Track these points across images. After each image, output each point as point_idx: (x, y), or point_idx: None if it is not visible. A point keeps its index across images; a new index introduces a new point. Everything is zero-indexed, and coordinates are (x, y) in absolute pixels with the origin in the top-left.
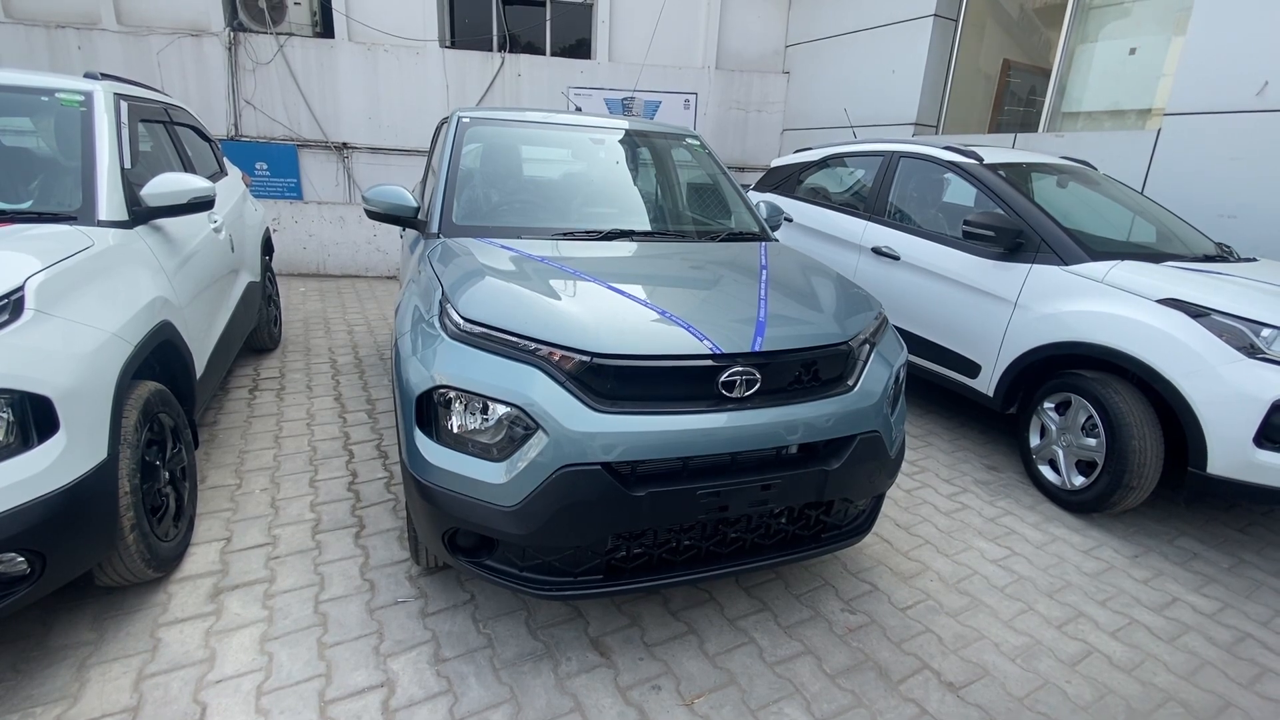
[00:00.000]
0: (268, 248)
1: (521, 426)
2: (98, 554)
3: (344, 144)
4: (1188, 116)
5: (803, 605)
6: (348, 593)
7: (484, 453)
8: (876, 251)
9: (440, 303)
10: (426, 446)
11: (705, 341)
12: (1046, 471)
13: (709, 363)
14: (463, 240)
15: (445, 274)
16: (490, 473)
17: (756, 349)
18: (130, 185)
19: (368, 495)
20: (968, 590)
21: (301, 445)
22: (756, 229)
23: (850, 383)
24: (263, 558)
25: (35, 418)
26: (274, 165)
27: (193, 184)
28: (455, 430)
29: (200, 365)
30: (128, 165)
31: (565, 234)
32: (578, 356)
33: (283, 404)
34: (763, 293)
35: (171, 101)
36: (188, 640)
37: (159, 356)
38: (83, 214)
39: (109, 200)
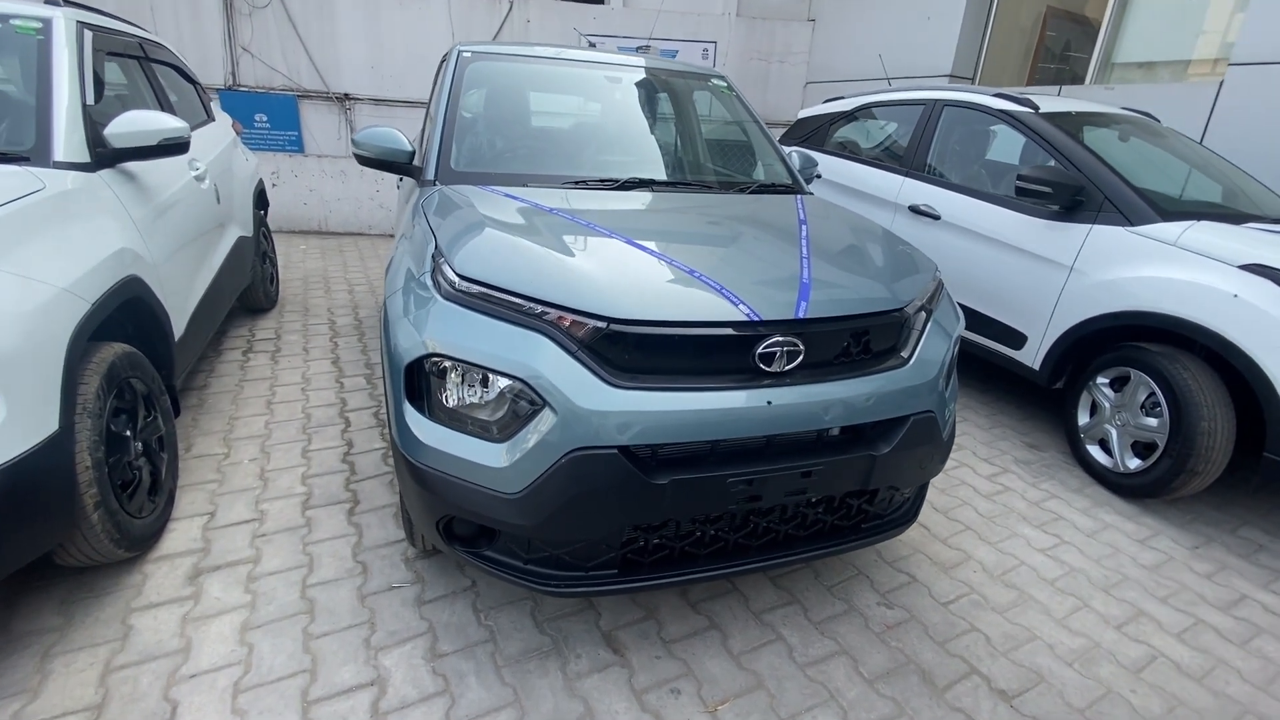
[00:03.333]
0: (261, 201)
1: (526, 402)
2: (53, 537)
3: (346, 95)
4: (1255, 66)
5: (835, 598)
6: (338, 576)
7: (483, 432)
8: (914, 210)
9: (433, 258)
10: (418, 423)
11: (741, 306)
12: (1096, 452)
13: (746, 331)
14: (461, 188)
15: (440, 226)
16: (490, 455)
17: (800, 315)
18: (93, 124)
19: (363, 468)
20: (1015, 583)
21: (295, 412)
22: (789, 181)
23: (905, 355)
24: (248, 535)
25: None
26: (274, 117)
27: (164, 123)
28: (450, 405)
29: (179, 326)
30: (90, 102)
31: (578, 183)
32: (591, 322)
33: (277, 367)
34: (804, 251)
35: (148, 36)
36: (162, 628)
37: (129, 316)
38: (36, 154)
39: (67, 139)
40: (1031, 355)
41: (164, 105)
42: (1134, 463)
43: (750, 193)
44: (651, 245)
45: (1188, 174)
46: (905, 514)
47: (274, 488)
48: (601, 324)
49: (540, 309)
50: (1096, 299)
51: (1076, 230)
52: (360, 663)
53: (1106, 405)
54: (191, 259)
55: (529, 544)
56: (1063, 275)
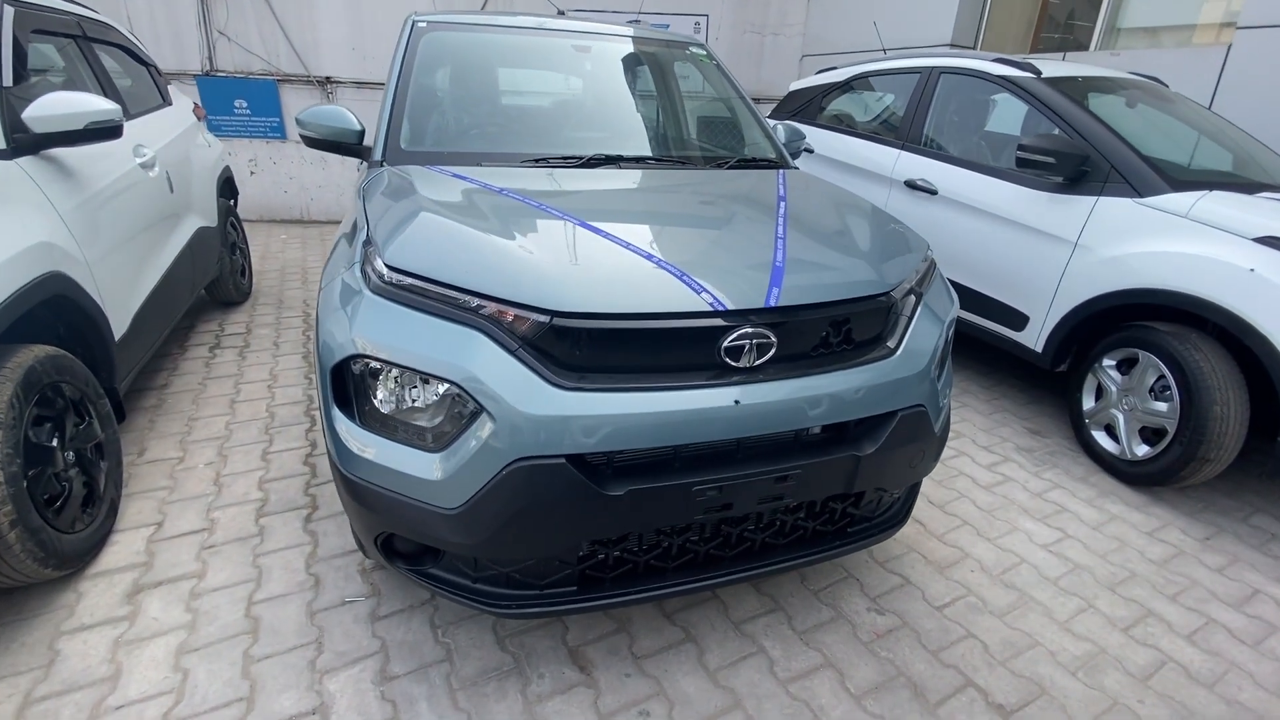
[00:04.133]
0: (228, 189)
1: (462, 408)
2: None
3: (327, 78)
4: (1264, 30)
5: (822, 603)
6: (287, 590)
7: (418, 440)
8: (910, 185)
9: (364, 247)
10: (348, 430)
11: (704, 295)
12: (1101, 438)
13: (708, 322)
14: (406, 169)
15: (374, 210)
16: (425, 466)
17: (771, 303)
18: (11, 108)
19: (325, 470)
20: (1015, 583)
21: (259, 411)
22: (773, 155)
23: (891, 344)
24: (195, 547)
25: None
26: (254, 102)
27: (91, 105)
28: (383, 411)
29: (120, 325)
30: (8, 83)
31: (537, 161)
32: (533, 316)
33: (244, 363)
34: (780, 231)
35: (92, 15)
36: (91, 653)
37: (55, 316)
38: None
39: None
40: (1033, 337)
41: (106, 89)
42: (1142, 449)
43: (729, 168)
44: (607, 228)
45: (1197, 141)
46: (895, 515)
47: (228, 494)
48: (544, 318)
49: (476, 302)
50: (1103, 276)
51: (1081, 203)
52: (302, 688)
53: (1113, 389)
54: (136, 253)
55: (477, 561)
56: (1067, 251)
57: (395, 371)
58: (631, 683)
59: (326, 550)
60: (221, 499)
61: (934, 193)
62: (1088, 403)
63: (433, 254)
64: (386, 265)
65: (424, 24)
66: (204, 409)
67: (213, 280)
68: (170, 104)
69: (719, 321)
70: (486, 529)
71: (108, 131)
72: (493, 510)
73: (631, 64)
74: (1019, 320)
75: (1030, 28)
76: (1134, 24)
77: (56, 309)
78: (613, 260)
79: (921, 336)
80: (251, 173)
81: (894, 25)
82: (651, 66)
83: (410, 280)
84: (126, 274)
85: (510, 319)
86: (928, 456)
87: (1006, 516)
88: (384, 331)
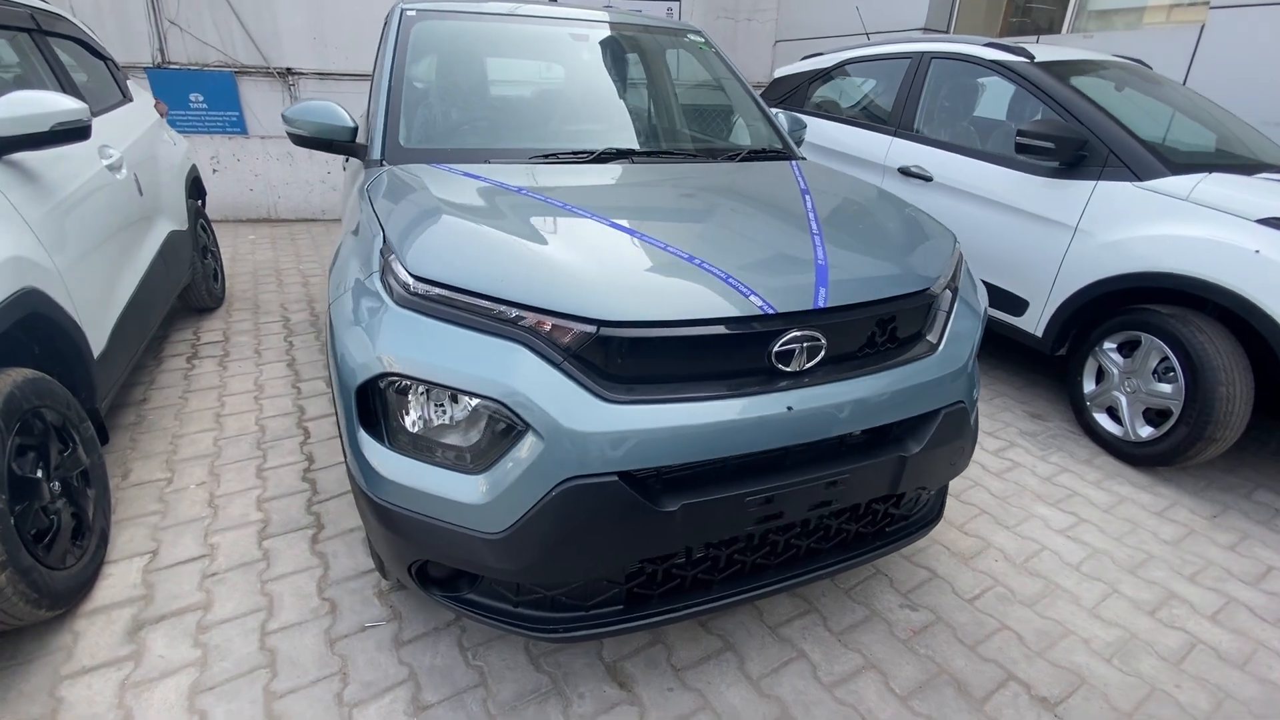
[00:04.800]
0: (196, 189)
1: (505, 426)
2: None
3: (288, 69)
4: (1237, 9)
5: (855, 602)
6: (302, 619)
7: (455, 462)
8: (904, 172)
9: (381, 254)
10: (376, 453)
11: (753, 298)
12: (1104, 420)
13: (759, 327)
14: (412, 168)
15: (389, 215)
16: (465, 489)
17: (820, 304)
18: None
19: (326, 485)
20: (1039, 571)
21: (247, 424)
22: (780, 145)
23: (933, 340)
24: (196, 576)
25: None
26: (210, 97)
27: (58, 105)
28: (414, 431)
29: (99, 341)
30: None
31: (546, 156)
32: (578, 326)
33: (226, 374)
34: (814, 227)
35: (42, 6)
36: (97, 698)
37: (30, 335)
38: None
39: None
40: (1033, 322)
41: (65, 85)
42: (1146, 431)
43: (740, 160)
44: (640, 228)
45: (1186, 123)
46: (930, 513)
47: (225, 516)
48: (590, 328)
49: (514, 312)
50: (1105, 261)
51: (1080, 188)
52: None
53: (1114, 372)
54: (109, 262)
55: (519, 584)
56: (1066, 236)
57: (429, 390)
58: (675, 697)
59: (339, 573)
60: (219, 522)
61: (929, 179)
62: (1088, 386)
63: (462, 261)
64: (412, 275)
65: (413, 12)
66: (188, 425)
67: (185, 286)
68: (131, 100)
69: (769, 325)
70: (534, 553)
71: (76, 133)
72: (541, 533)
73: (631, 52)
74: (1019, 305)
75: (999, 10)
76: (1106, 5)
77: (30, 328)
78: (654, 263)
79: (960, 331)
80: (214, 170)
81: (867, 9)
82: (652, 55)
83: (438, 290)
84: (101, 286)
85: (551, 330)
86: (966, 453)
87: (1020, 503)
88: (415, 348)
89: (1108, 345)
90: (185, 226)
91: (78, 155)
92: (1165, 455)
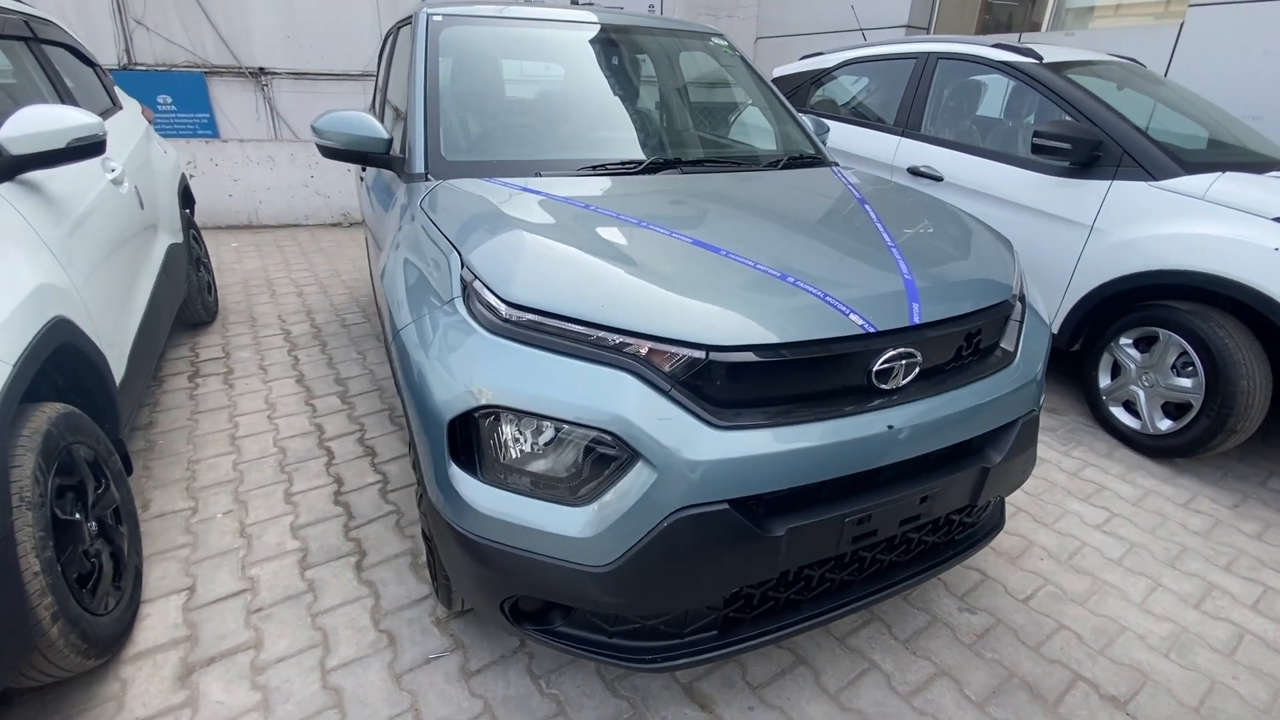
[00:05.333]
0: (186, 198)
1: (610, 456)
2: (5, 673)
3: (261, 69)
4: (1215, 6)
5: (914, 608)
6: (361, 653)
7: (557, 495)
8: (914, 172)
9: (461, 278)
10: (468, 486)
11: (853, 316)
12: (1121, 414)
13: (861, 346)
14: (465, 183)
15: (457, 233)
16: (569, 523)
17: (916, 320)
18: None
19: (361, 509)
20: (1084, 567)
21: (266, 446)
22: (814, 151)
23: (1011, 350)
24: (240, 612)
25: None
26: (180, 98)
27: (73, 120)
28: (512, 464)
29: (120, 367)
30: None
31: (594, 167)
32: (686, 352)
33: (234, 392)
34: (888, 240)
35: (33, 12)
36: None
37: (59, 367)
38: None
39: None
40: (1049, 319)
41: (63, 96)
42: (1165, 424)
43: (782, 168)
44: (723, 244)
45: (1187, 123)
46: (994, 519)
47: (261, 546)
48: (699, 354)
49: (617, 339)
50: (1121, 259)
51: (1095, 187)
52: None
53: (1131, 366)
54: (122, 281)
55: (614, 614)
56: (1082, 235)
57: (528, 421)
58: (758, 716)
59: (391, 602)
60: (254, 553)
61: (939, 179)
62: (1104, 380)
63: (555, 285)
64: (502, 299)
65: (440, 17)
66: (203, 449)
67: (181, 300)
68: (121, 108)
69: (869, 345)
70: (641, 584)
71: (91, 148)
72: (650, 564)
73: (660, 56)
74: None
75: (976, 7)
76: (1085, 3)
77: (60, 360)
78: (750, 283)
79: (1033, 340)
80: (192, 176)
81: (848, 6)
82: (678, 59)
83: (531, 317)
84: (118, 308)
85: (656, 356)
86: (1034, 460)
87: (1054, 499)
88: (513, 378)
89: (1124, 341)
90: (181, 239)
91: (84, 170)
92: (1185, 447)
